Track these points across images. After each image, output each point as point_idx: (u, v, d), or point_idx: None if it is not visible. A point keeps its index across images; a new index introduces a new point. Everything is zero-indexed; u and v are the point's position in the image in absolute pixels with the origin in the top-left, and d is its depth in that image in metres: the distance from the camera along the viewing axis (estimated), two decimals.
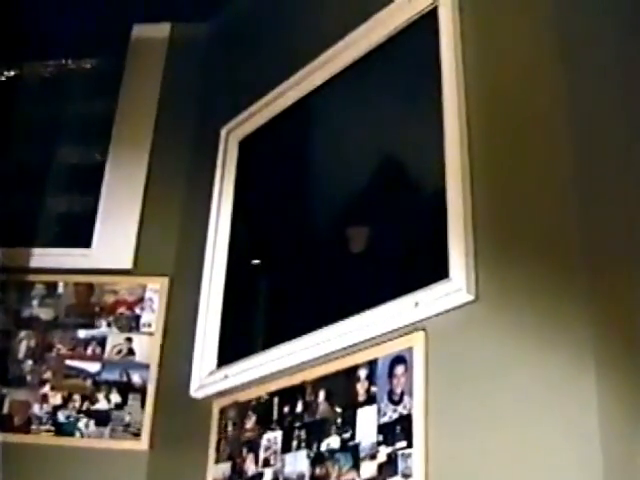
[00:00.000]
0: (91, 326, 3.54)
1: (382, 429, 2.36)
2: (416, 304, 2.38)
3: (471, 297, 2.27)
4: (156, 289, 3.54)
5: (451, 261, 2.35)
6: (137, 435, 3.32)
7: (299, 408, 2.67)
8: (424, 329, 2.36)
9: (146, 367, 3.42)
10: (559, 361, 2.02)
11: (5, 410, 3.46)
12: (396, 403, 2.35)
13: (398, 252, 2.64)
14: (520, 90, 2.41)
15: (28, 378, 3.50)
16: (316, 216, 3.12)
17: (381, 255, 2.71)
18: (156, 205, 3.74)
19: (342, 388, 2.54)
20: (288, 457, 2.64)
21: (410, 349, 2.37)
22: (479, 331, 2.24)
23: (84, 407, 3.40)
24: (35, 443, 3.40)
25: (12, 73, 4.25)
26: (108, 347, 3.49)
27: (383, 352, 2.45)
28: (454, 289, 2.30)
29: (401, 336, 2.42)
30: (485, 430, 2.12)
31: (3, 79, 4.23)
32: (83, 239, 3.72)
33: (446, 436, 2.21)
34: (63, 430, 3.39)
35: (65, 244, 3.76)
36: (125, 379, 3.41)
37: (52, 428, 3.40)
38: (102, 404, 3.39)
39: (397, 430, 2.32)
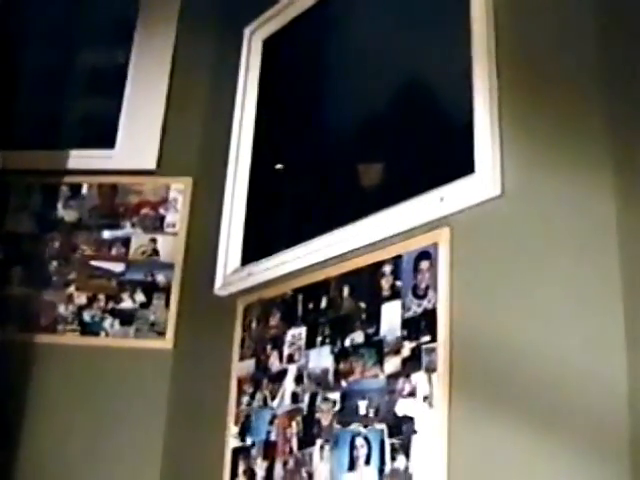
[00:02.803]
0: (115, 227, 3.55)
1: (406, 324, 2.36)
2: (441, 199, 2.36)
3: (497, 192, 2.24)
4: (180, 189, 3.54)
5: (477, 156, 2.32)
6: (162, 334, 3.35)
7: (323, 304, 2.67)
8: (449, 225, 2.34)
9: (170, 267, 3.43)
10: (586, 253, 2.00)
11: (31, 311, 3.47)
12: (420, 298, 2.34)
13: (424, 147, 2.61)
14: None
15: (53, 279, 3.52)
16: (340, 115, 3.08)
17: (406, 151, 2.68)
18: (180, 106, 3.71)
19: (366, 284, 2.53)
20: (312, 353, 2.65)
21: (435, 244, 2.35)
22: (505, 226, 2.22)
23: (109, 307, 3.43)
24: (61, 343, 3.43)
25: None
26: (132, 247, 3.50)
27: (408, 248, 2.43)
28: (480, 184, 2.28)
29: (426, 232, 2.40)
30: (510, 322, 2.11)
31: None
32: (107, 140, 3.70)
33: (470, 330, 2.20)
34: (88, 330, 3.43)
35: (89, 146, 3.74)
36: (149, 279, 3.43)
37: (78, 328, 3.43)
38: (127, 304, 3.41)
39: (421, 325, 2.31)
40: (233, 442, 2.87)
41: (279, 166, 3.27)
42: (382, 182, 2.74)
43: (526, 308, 2.08)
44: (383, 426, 2.33)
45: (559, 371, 1.96)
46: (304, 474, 2.54)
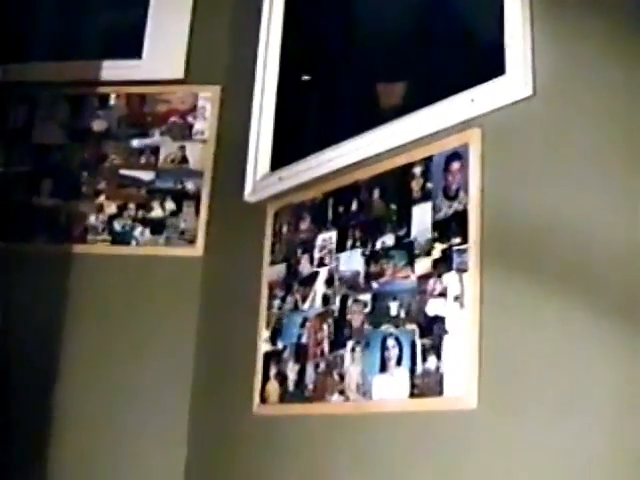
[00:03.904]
0: (144, 136, 3.55)
1: (437, 225, 2.36)
2: (472, 100, 2.34)
3: (528, 92, 2.21)
4: (208, 97, 3.53)
5: (508, 56, 2.28)
6: (192, 242, 3.37)
7: (354, 207, 2.67)
8: (480, 126, 2.32)
9: (200, 174, 3.44)
10: (618, 150, 1.99)
11: (62, 222, 3.50)
12: (451, 199, 2.33)
13: (454, 49, 2.58)
14: None
15: (83, 189, 3.54)
16: (371, 20, 3.05)
17: (437, 52, 2.65)
18: (206, 13, 3.67)
19: (397, 186, 2.53)
20: (343, 256, 2.66)
21: (466, 145, 2.34)
22: (536, 126, 2.19)
23: (139, 215, 3.45)
24: (92, 253, 3.46)
25: None
26: (162, 156, 3.50)
27: (438, 149, 2.42)
28: (511, 85, 2.25)
29: (457, 133, 2.38)
30: (541, 222, 2.10)
31: None
32: (133, 50, 3.67)
33: (501, 231, 2.20)
34: (119, 239, 3.45)
35: (116, 56, 3.71)
36: (179, 187, 3.44)
37: (108, 237, 3.45)
38: (157, 212, 3.43)
39: (452, 226, 2.31)
40: (264, 346, 2.90)
41: (306, 77, 3.25)
42: (413, 85, 2.71)
43: (558, 207, 2.07)
44: (414, 327, 2.34)
45: (592, 260, 1.97)
46: (335, 376, 2.57)
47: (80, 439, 3.22)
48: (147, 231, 3.42)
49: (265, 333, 2.90)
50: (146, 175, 3.49)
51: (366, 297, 2.52)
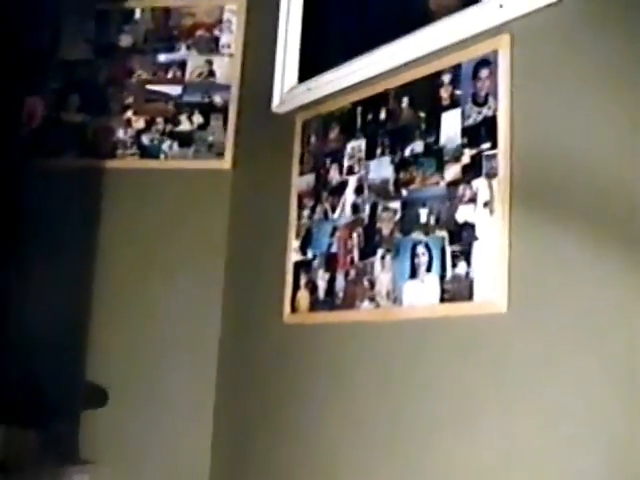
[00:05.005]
0: (170, 50, 3.55)
1: (466, 131, 2.37)
2: (500, 6, 2.32)
3: None
4: (234, 10, 3.51)
5: None
6: (220, 154, 3.39)
7: (382, 116, 2.67)
8: (510, 31, 2.31)
9: (227, 88, 3.44)
10: None
11: (90, 137, 3.52)
12: (480, 105, 2.34)
13: None
14: None
15: (111, 105, 3.55)
16: None
17: None
18: None
19: (425, 94, 2.53)
20: (372, 164, 2.67)
21: (495, 52, 2.33)
22: (565, 32, 2.18)
23: (167, 129, 3.46)
24: (121, 167, 3.48)
25: None
26: (188, 70, 3.51)
27: (467, 56, 2.42)
28: None
29: (486, 40, 2.37)
30: (571, 128, 2.10)
31: None
32: None
33: (531, 136, 2.20)
34: (147, 153, 3.47)
35: None
36: (207, 100, 3.45)
37: (137, 152, 3.48)
38: (185, 126, 3.44)
39: (482, 132, 2.32)
40: (295, 256, 2.93)
41: None
42: None
43: (587, 113, 2.07)
44: (444, 233, 2.37)
45: (621, 169, 1.97)
46: (365, 283, 2.60)
47: (115, 354, 3.29)
48: (175, 145, 3.43)
49: (295, 243, 2.94)
50: (173, 89, 3.49)
51: (396, 205, 2.54)
